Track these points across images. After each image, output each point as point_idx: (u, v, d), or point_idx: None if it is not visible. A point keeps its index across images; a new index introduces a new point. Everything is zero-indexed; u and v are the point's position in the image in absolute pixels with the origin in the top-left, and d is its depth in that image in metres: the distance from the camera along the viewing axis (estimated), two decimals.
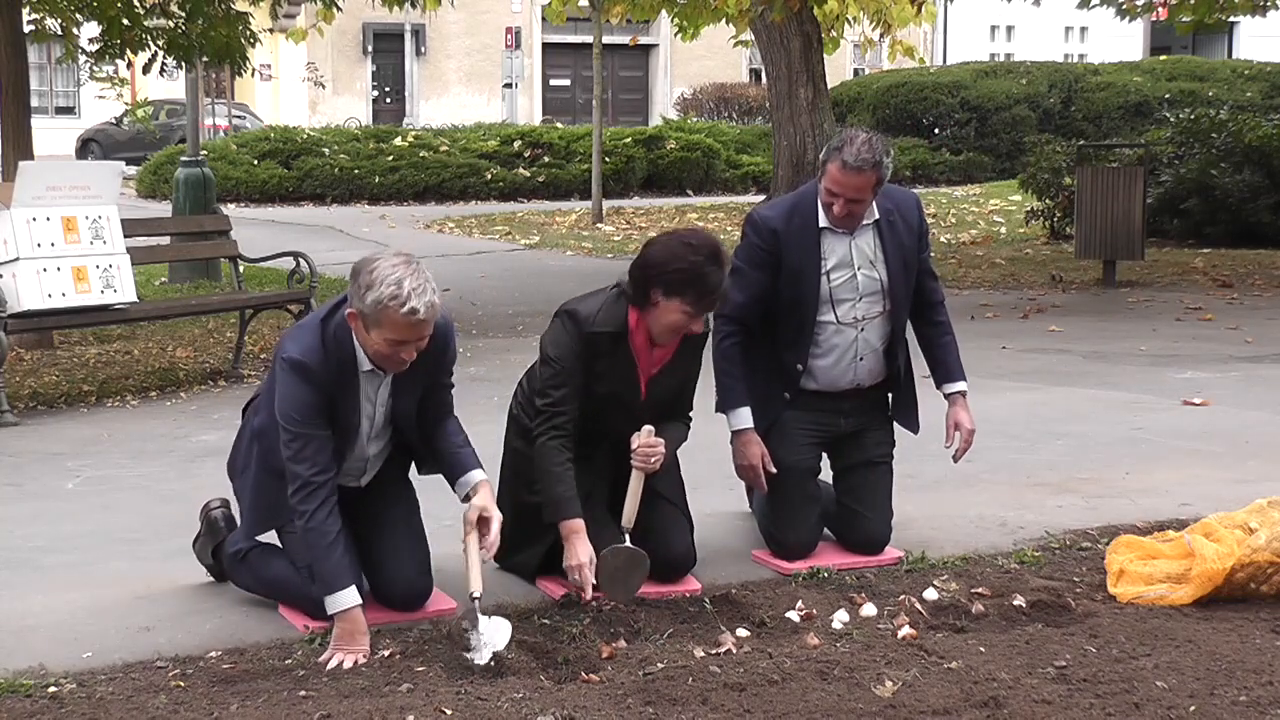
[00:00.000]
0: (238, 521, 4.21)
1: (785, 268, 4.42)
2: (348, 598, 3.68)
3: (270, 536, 4.08)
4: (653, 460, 4.07)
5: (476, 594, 3.66)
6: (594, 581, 3.97)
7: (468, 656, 3.56)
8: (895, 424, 4.68)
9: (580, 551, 3.96)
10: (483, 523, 3.81)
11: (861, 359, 4.51)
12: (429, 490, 4.24)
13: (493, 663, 3.53)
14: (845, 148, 4.25)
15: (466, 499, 3.91)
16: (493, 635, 3.59)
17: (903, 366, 4.62)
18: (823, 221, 4.41)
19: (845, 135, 4.32)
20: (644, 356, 4.13)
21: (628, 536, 4.04)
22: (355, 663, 3.59)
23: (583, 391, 4.09)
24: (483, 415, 5.31)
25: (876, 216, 4.45)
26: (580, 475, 4.09)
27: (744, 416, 4.44)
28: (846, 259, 4.44)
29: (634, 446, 4.07)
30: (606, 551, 3.96)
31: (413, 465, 4.18)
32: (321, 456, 3.75)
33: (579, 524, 3.99)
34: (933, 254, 4.75)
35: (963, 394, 4.64)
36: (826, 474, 4.70)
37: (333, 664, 3.58)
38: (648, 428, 4.10)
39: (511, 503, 4.16)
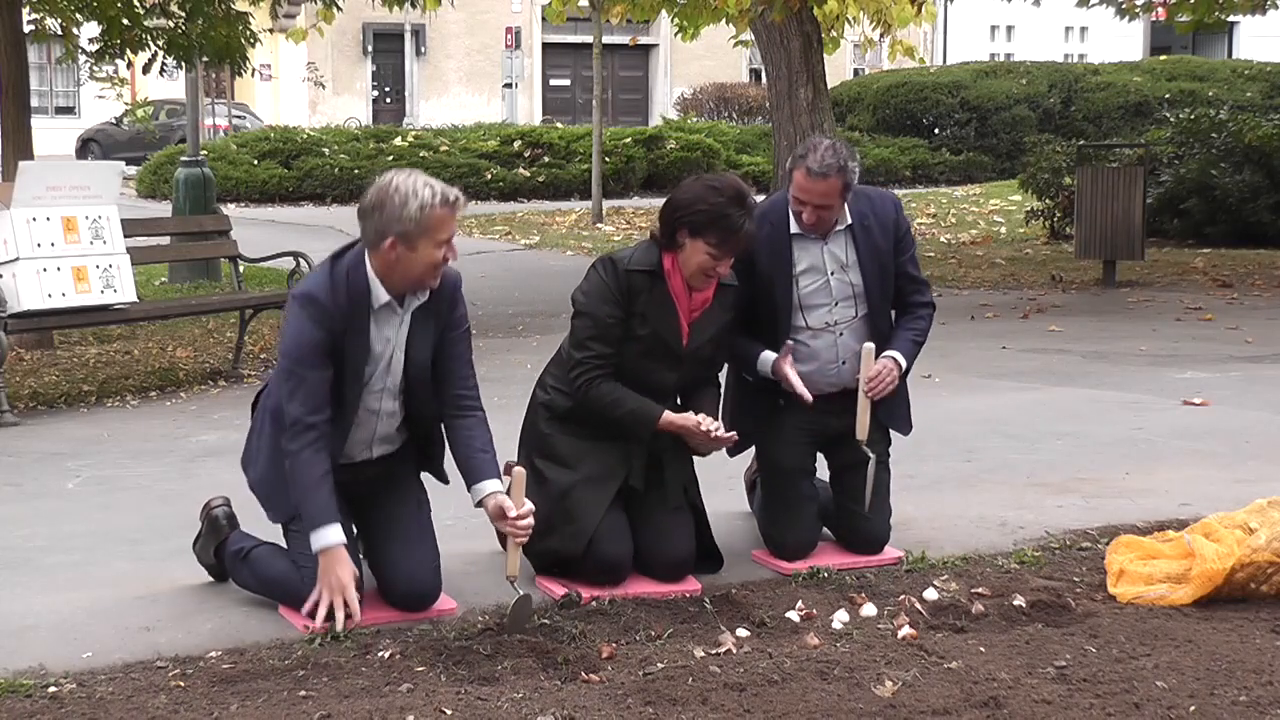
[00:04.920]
0: (239, 520, 4.21)
1: (756, 275, 4.42)
2: (331, 535, 3.74)
3: (273, 536, 4.08)
4: (888, 385, 4.37)
5: (510, 576, 3.86)
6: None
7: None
8: (888, 429, 4.62)
9: (687, 421, 4.15)
10: (506, 519, 3.84)
11: (844, 363, 4.50)
12: (430, 490, 4.23)
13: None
14: (809, 155, 4.30)
15: (479, 505, 3.91)
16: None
17: None
18: (794, 228, 4.42)
19: (809, 143, 4.38)
20: (682, 299, 4.21)
21: (870, 454, 4.40)
22: (343, 607, 3.70)
23: (626, 336, 4.16)
24: None
25: (849, 221, 4.45)
26: (615, 454, 4.18)
27: (766, 358, 4.43)
28: (819, 264, 4.44)
29: (869, 375, 4.36)
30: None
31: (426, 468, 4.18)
32: (315, 398, 3.76)
33: (666, 414, 4.16)
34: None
35: (896, 360, 4.47)
36: (823, 472, 4.70)
37: (322, 609, 3.70)
38: (868, 346, 4.36)
39: (536, 490, 4.13)
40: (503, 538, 4.45)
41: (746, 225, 4.12)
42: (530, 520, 3.84)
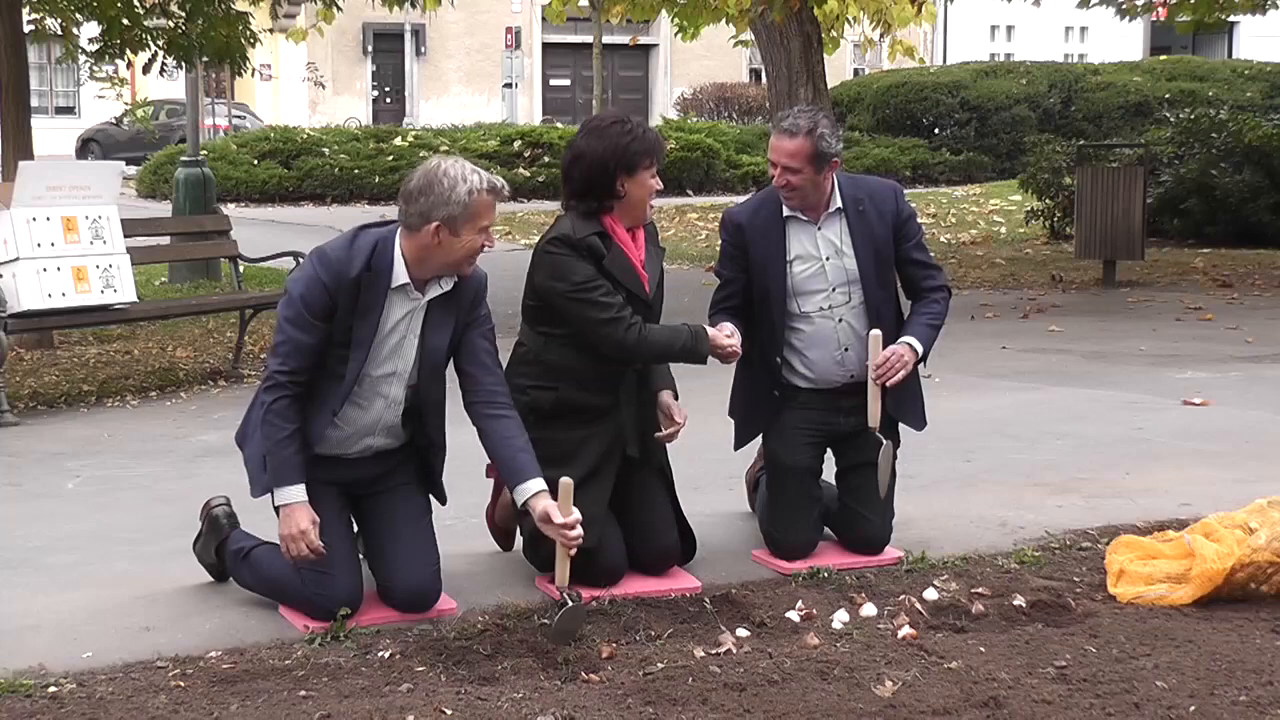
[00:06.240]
0: (239, 518, 4.21)
1: (752, 260, 4.47)
2: (291, 494, 3.79)
3: (274, 535, 4.08)
4: (898, 371, 4.35)
5: (560, 587, 3.82)
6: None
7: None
8: (899, 422, 4.60)
9: (718, 334, 4.23)
10: (554, 526, 3.77)
11: (847, 349, 4.49)
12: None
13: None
14: (785, 119, 4.40)
15: (523, 507, 3.86)
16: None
17: None
18: (786, 211, 4.45)
19: (789, 109, 4.48)
20: (630, 249, 4.23)
21: (883, 439, 4.38)
22: (306, 553, 3.75)
23: None
24: None
25: (840, 205, 4.46)
26: (603, 443, 4.16)
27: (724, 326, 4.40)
28: (813, 249, 4.46)
29: (877, 363, 4.35)
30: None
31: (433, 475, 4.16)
32: (294, 358, 3.79)
33: (707, 329, 4.26)
34: (932, 254, 4.70)
35: (911, 347, 4.43)
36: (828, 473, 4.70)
37: (288, 557, 3.78)
38: (875, 333, 4.35)
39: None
40: (501, 539, 4.47)
41: (650, 130, 4.23)
42: (580, 531, 3.78)
